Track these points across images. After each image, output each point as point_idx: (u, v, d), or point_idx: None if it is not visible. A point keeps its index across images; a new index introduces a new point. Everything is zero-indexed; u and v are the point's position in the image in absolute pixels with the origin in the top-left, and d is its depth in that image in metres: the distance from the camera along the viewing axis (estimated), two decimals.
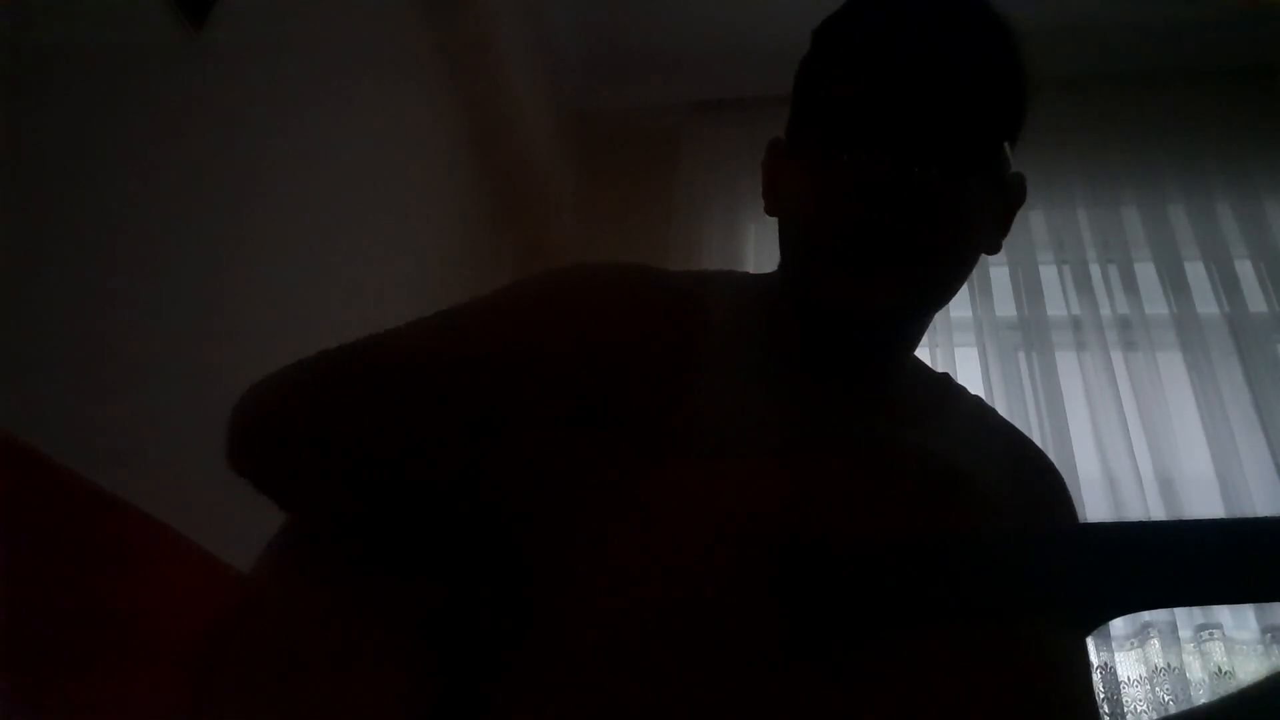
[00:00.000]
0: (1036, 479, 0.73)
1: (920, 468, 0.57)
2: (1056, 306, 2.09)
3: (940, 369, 0.83)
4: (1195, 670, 1.66)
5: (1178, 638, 1.68)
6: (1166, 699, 1.63)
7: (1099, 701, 0.71)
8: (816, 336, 0.66)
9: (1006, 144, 0.66)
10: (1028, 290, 2.10)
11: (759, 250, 2.18)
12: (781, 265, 0.69)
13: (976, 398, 0.80)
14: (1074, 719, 0.52)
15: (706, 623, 0.46)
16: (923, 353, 0.80)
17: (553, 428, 0.57)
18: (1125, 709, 1.65)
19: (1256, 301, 2.03)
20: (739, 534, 0.47)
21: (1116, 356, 2.00)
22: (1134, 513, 1.76)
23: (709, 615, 0.46)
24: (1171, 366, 1.98)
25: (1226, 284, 2.04)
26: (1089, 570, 0.47)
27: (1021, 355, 2.06)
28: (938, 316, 2.37)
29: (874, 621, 0.46)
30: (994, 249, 0.71)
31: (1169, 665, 1.66)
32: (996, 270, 2.15)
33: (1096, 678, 1.68)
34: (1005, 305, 2.10)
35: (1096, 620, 0.53)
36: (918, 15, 0.64)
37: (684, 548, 0.47)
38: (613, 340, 0.61)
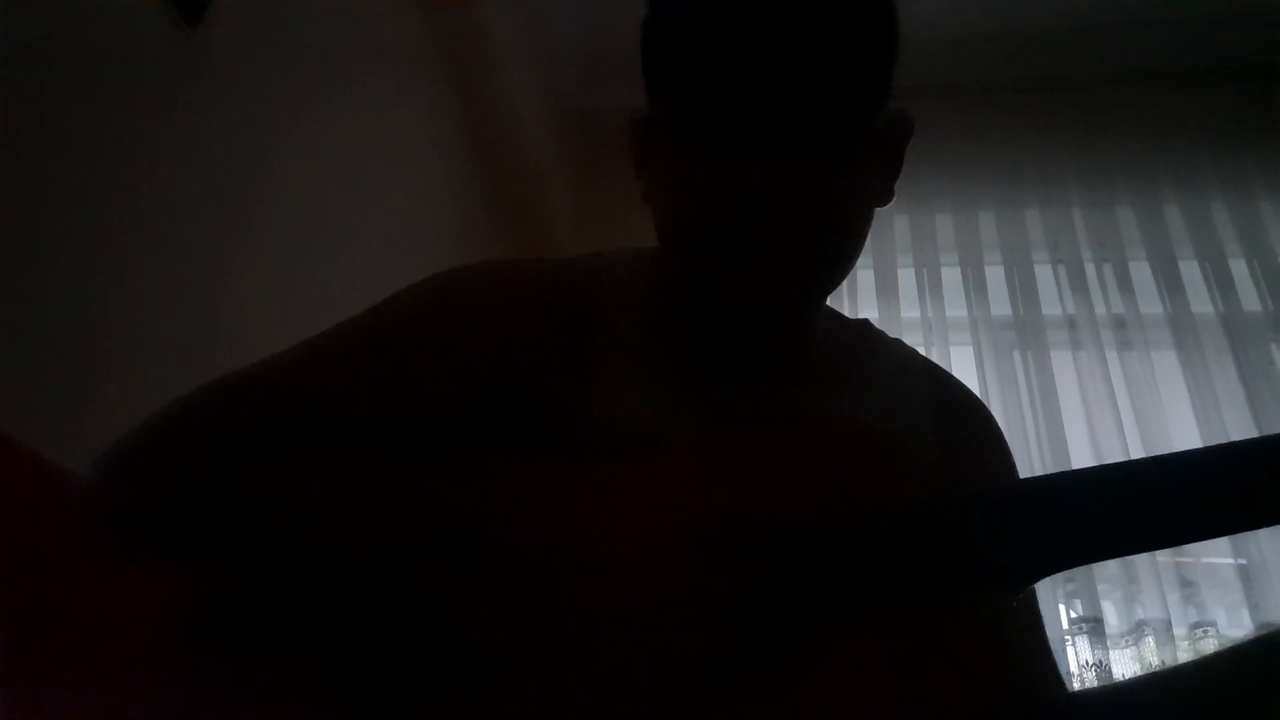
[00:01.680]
0: (963, 426, 0.71)
1: (837, 438, 0.54)
2: (1051, 306, 2.09)
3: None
4: None
5: (1172, 636, 1.69)
6: None
7: (1053, 659, 0.69)
8: (712, 327, 0.64)
9: (881, 85, 0.62)
10: (1023, 289, 2.11)
11: None
12: (663, 255, 0.65)
13: (897, 342, 0.76)
14: (1023, 685, 0.51)
15: (647, 626, 0.44)
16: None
17: (448, 442, 0.54)
18: None
19: (1251, 301, 2.03)
20: (667, 528, 0.45)
21: (1111, 356, 2.00)
22: None
23: (649, 618, 0.44)
24: (1166, 366, 1.99)
25: (1221, 283, 2.05)
26: (1022, 529, 0.46)
27: (1017, 354, 2.07)
28: (933, 315, 2.34)
29: (808, 609, 0.44)
30: (885, 199, 0.66)
31: (1164, 663, 1.66)
32: (991, 270, 2.16)
33: (1091, 675, 1.69)
34: (1000, 304, 2.11)
35: (1034, 577, 0.51)
36: None
37: (610, 550, 0.45)
38: (499, 342, 0.59)
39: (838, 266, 0.63)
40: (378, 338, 0.60)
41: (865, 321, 0.76)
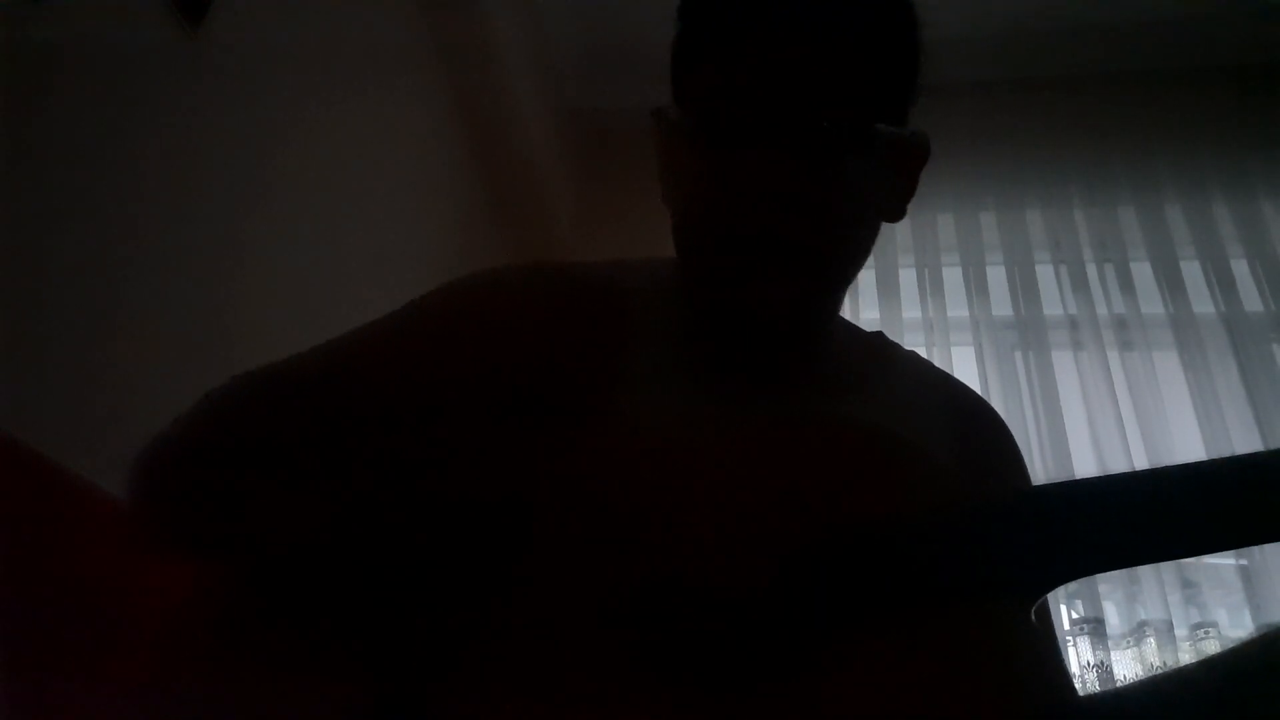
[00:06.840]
0: (979, 434, 0.71)
1: (856, 441, 0.54)
2: (1053, 306, 2.09)
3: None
4: None
5: (1173, 636, 1.69)
6: None
7: (1066, 668, 0.69)
8: (725, 330, 0.65)
9: (900, 103, 0.63)
10: (1024, 290, 2.11)
11: None
12: (679, 260, 0.67)
13: (911, 353, 0.77)
14: (1039, 694, 0.51)
15: (677, 617, 0.44)
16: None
17: (485, 425, 0.55)
18: None
19: (1252, 301, 2.03)
20: (683, 529, 0.45)
21: (1113, 356, 2.00)
22: None
23: (678, 609, 0.44)
24: (1168, 366, 1.99)
25: (1223, 284, 2.04)
26: (1041, 537, 0.46)
27: (1018, 355, 2.06)
28: (935, 315, 2.34)
29: (824, 612, 0.44)
30: (896, 216, 0.68)
31: (1165, 664, 1.66)
32: (993, 270, 2.16)
33: (1093, 676, 1.68)
34: (1002, 305, 2.11)
35: (1052, 584, 0.51)
36: None
37: (636, 540, 0.46)
38: (530, 343, 0.60)
39: (839, 271, 0.65)
40: (415, 333, 0.62)
41: (879, 334, 0.77)
